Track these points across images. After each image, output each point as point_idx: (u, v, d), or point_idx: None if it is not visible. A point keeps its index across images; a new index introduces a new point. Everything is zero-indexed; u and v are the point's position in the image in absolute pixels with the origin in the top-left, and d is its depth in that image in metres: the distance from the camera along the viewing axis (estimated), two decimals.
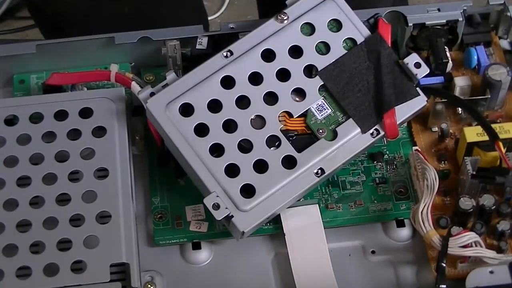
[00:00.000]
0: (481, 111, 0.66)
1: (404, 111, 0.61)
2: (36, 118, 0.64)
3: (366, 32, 0.62)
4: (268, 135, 0.59)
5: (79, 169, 0.62)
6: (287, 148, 0.59)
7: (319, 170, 0.59)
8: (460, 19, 0.68)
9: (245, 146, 0.59)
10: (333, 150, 0.60)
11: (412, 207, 0.62)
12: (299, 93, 0.61)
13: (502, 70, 0.65)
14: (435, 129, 0.66)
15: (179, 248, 0.62)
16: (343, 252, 0.62)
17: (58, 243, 0.59)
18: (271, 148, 0.59)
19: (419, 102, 0.62)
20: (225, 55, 0.60)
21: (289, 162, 0.59)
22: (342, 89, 0.61)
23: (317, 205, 0.63)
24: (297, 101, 0.60)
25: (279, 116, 0.60)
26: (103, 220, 0.60)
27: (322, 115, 0.60)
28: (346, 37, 0.62)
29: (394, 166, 0.65)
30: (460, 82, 0.66)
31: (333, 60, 0.61)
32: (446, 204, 0.63)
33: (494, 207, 0.60)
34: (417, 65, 0.61)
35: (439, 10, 0.68)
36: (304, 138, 0.60)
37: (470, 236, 0.58)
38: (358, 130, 0.60)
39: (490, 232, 0.61)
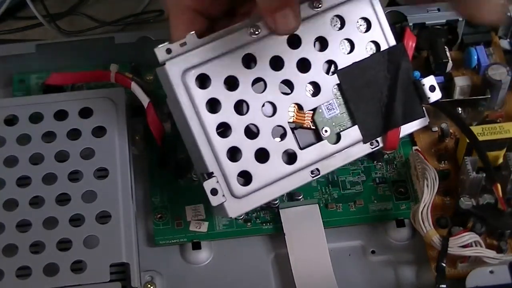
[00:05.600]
0: (481, 111, 0.66)
1: (406, 128, 0.61)
2: (36, 118, 0.64)
3: (392, 40, 0.60)
4: (276, 125, 0.58)
5: (79, 169, 0.62)
6: (290, 142, 0.58)
7: (316, 170, 0.59)
8: (460, 19, 0.68)
9: (252, 131, 0.58)
10: (333, 154, 0.59)
11: (412, 207, 0.62)
12: (314, 87, 0.59)
13: (502, 70, 0.65)
14: (435, 129, 0.66)
15: (179, 248, 0.62)
16: (343, 252, 0.62)
17: (58, 243, 0.59)
18: (275, 139, 0.58)
19: (422, 122, 0.61)
20: (252, 31, 0.57)
21: (290, 157, 0.58)
22: (356, 93, 0.60)
23: (317, 205, 0.63)
24: (310, 95, 0.59)
25: (289, 107, 0.59)
26: (103, 220, 0.60)
27: (330, 114, 0.60)
28: (371, 40, 0.60)
29: (394, 166, 0.65)
30: (460, 82, 0.66)
31: (354, 61, 0.60)
32: (446, 204, 0.63)
33: None
34: (432, 89, 0.60)
35: (439, 10, 0.68)
36: (308, 134, 0.59)
37: (470, 236, 0.58)
38: (360, 138, 0.60)
39: (490, 232, 0.61)
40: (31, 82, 0.70)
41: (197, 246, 0.62)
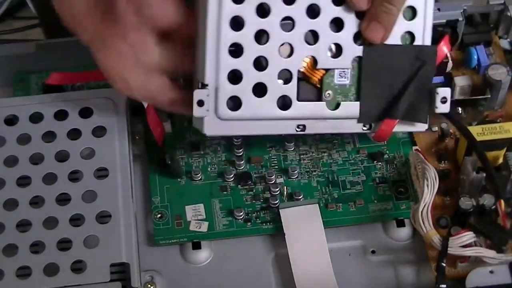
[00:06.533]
0: (481, 110, 0.66)
1: (402, 125, 0.61)
2: (36, 118, 0.64)
3: (428, 39, 0.60)
4: (285, 68, 0.58)
5: (79, 169, 0.62)
6: (291, 89, 0.58)
7: (302, 126, 0.59)
8: (460, 19, 0.68)
9: (261, 63, 0.57)
10: (325, 118, 0.59)
11: (412, 207, 0.62)
12: (336, 49, 0.59)
13: (502, 70, 0.65)
14: (435, 129, 0.66)
15: (179, 248, 0.62)
16: (343, 252, 0.62)
17: (58, 243, 0.59)
18: (279, 80, 0.58)
19: (420, 126, 0.61)
20: None
21: (284, 103, 0.58)
22: (372, 72, 0.59)
23: (317, 205, 0.63)
24: (329, 55, 0.59)
25: (305, 57, 0.58)
26: (103, 220, 0.60)
27: (339, 81, 0.59)
28: (409, 30, 0.59)
29: (394, 166, 0.65)
30: (460, 82, 0.66)
31: (385, 43, 0.59)
32: (446, 204, 0.63)
33: (494, 206, 0.60)
34: (444, 101, 0.60)
35: (439, 10, 0.68)
36: (310, 90, 0.59)
37: (470, 236, 0.58)
38: (357, 115, 0.60)
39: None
40: (31, 82, 0.70)
41: (197, 246, 0.62)
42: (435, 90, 0.60)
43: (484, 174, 0.60)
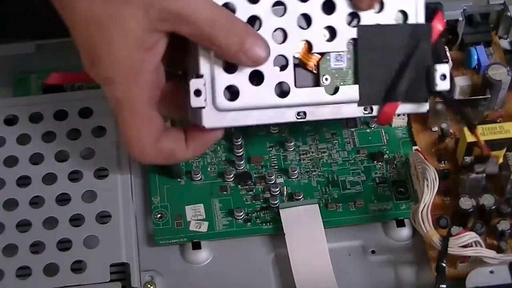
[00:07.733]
0: (481, 110, 0.66)
1: (403, 108, 0.60)
2: (36, 118, 0.64)
3: (422, 17, 0.59)
4: (280, 54, 0.57)
5: (79, 169, 0.62)
6: (288, 76, 0.57)
7: (302, 113, 0.58)
8: (460, 18, 0.68)
9: None
10: (325, 104, 0.59)
11: (412, 207, 0.62)
12: (330, 32, 0.58)
13: (502, 70, 0.65)
14: (435, 129, 0.66)
15: (179, 248, 0.62)
16: (343, 252, 0.62)
17: (58, 243, 0.59)
18: (275, 67, 0.57)
19: (422, 107, 0.60)
20: None
21: (282, 90, 0.58)
22: (368, 54, 0.58)
23: (317, 205, 0.63)
24: (323, 38, 0.58)
25: (299, 42, 0.57)
26: (103, 220, 0.60)
27: (336, 65, 0.59)
28: (401, 9, 0.58)
29: (394, 166, 0.65)
30: (460, 82, 0.66)
31: (379, 23, 0.58)
32: (446, 204, 0.63)
33: (494, 206, 0.60)
34: (443, 77, 0.59)
35: None
36: (307, 76, 0.58)
37: (470, 236, 0.58)
38: (357, 99, 0.59)
39: (490, 232, 0.61)
40: (31, 82, 0.70)
41: (197, 246, 0.62)
42: (434, 67, 0.59)
43: (484, 174, 0.60)
